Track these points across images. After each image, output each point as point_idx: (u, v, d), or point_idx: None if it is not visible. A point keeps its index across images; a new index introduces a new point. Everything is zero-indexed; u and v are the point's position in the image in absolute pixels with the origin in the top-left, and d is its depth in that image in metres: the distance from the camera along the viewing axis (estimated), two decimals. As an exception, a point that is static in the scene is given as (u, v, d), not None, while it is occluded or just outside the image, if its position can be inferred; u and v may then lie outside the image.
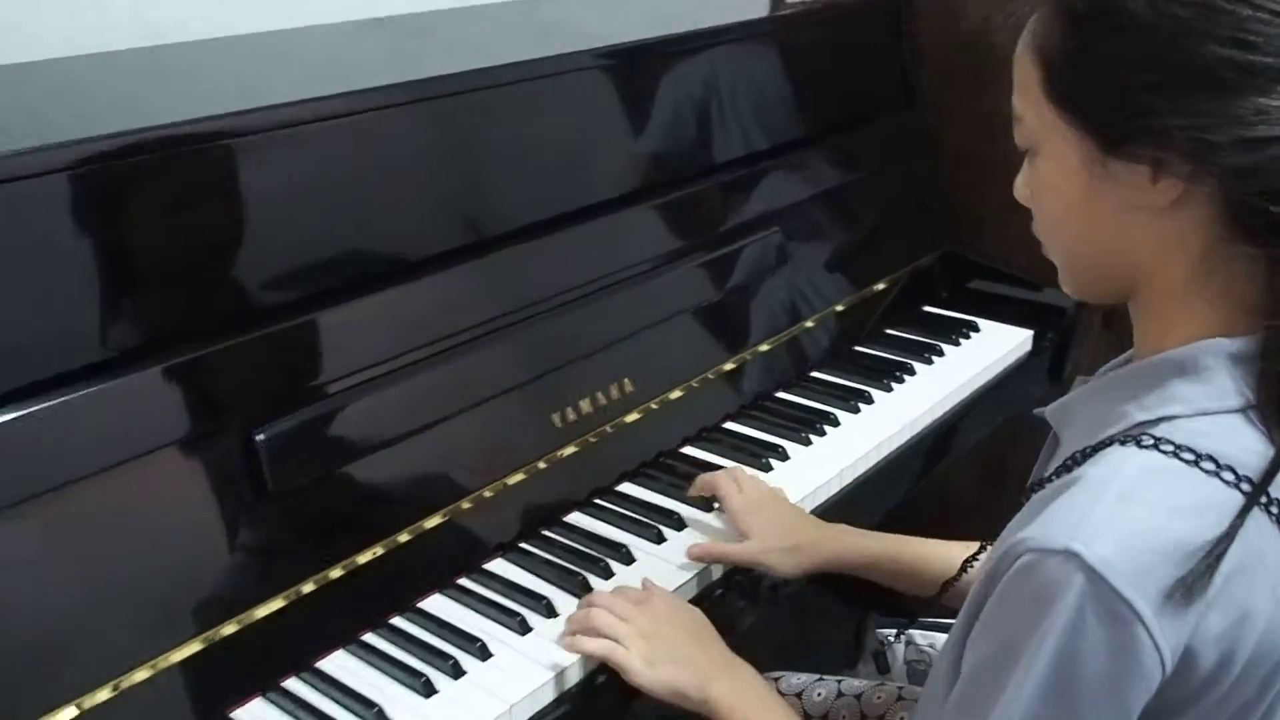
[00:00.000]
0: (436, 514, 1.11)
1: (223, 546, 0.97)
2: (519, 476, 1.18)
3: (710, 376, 1.40)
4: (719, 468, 1.29)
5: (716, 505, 1.24)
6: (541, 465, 1.20)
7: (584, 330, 1.25)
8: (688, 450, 1.36)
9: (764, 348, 1.47)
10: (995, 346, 1.62)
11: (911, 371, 1.54)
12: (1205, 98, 0.70)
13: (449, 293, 1.15)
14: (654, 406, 1.32)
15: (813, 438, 1.38)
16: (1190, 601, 0.72)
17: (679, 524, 1.22)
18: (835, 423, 1.41)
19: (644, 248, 1.34)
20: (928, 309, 1.72)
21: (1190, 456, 0.74)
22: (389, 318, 1.09)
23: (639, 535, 1.20)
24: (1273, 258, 0.74)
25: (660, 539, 1.20)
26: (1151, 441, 0.76)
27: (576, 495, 1.25)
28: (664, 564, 1.16)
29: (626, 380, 1.28)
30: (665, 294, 1.35)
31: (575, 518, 1.23)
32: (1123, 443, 0.77)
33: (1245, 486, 0.74)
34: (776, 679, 1.33)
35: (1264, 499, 0.74)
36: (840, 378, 1.52)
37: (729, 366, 1.43)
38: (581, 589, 1.11)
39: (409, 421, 1.09)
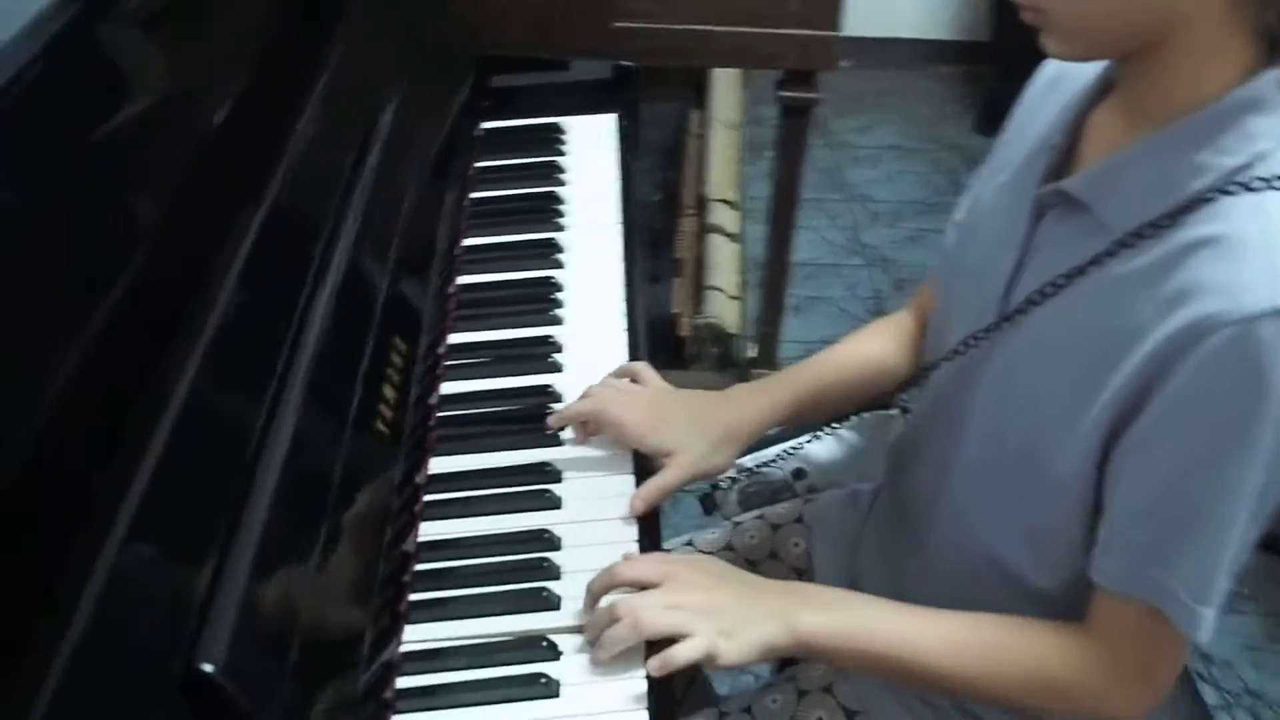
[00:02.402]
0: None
1: None
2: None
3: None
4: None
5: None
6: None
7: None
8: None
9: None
10: (603, 141, 1.50)
11: (560, 200, 1.37)
12: None
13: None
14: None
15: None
16: None
17: (555, 474, 1.01)
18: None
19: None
20: (490, 125, 1.53)
21: None
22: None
23: (533, 507, 0.98)
24: None
25: (557, 502, 0.99)
26: (1264, 183, 0.76)
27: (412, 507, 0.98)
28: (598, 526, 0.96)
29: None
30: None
31: (437, 528, 0.96)
32: (1232, 194, 0.76)
33: None
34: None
35: None
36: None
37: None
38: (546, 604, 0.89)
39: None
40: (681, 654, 0.83)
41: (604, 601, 0.87)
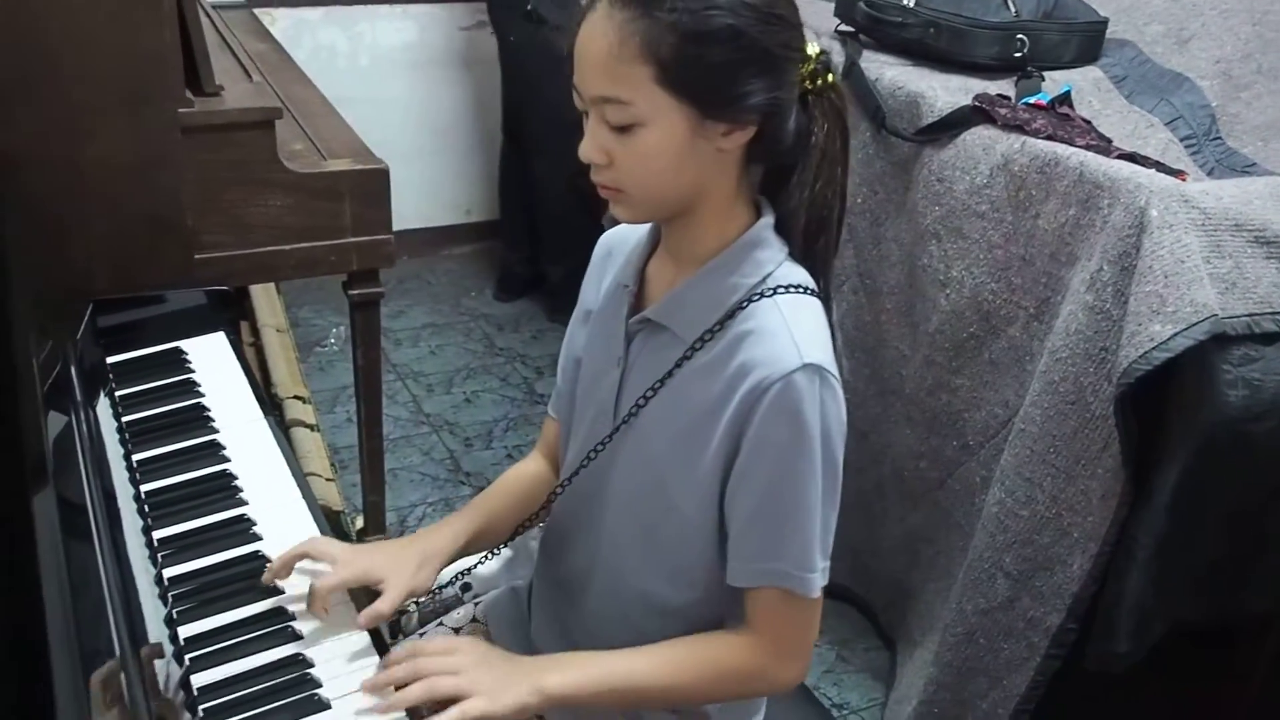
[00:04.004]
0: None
1: None
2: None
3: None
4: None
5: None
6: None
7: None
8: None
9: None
10: (221, 356, 1.79)
11: (206, 409, 1.65)
12: (771, 77, 1.14)
13: None
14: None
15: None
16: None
17: (289, 614, 1.29)
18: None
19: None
20: (115, 359, 1.77)
21: (797, 288, 1.23)
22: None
23: (280, 641, 1.25)
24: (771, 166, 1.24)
25: (299, 634, 1.27)
26: (772, 291, 1.22)
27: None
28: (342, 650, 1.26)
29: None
30: None
31: (207, 676, 1.21)
32: (755, 301, 1.21)
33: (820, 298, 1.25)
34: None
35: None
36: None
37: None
38: (320, 705, 1.17)
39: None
40: (467, 708, 1.14)
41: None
